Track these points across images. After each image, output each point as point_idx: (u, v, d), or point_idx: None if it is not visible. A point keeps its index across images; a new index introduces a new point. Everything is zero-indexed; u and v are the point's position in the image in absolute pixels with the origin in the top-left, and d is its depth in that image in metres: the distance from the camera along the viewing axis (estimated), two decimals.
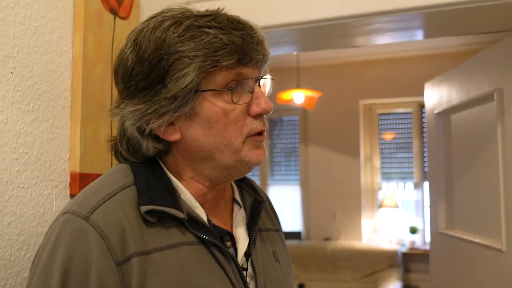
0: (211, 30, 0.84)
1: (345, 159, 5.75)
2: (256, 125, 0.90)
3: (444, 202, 2.85)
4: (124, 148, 0.93)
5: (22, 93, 1.08)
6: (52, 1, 1.18)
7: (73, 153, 1.21)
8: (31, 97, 1.11)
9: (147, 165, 0.92)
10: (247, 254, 0.95)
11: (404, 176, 5.82)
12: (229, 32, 0.84)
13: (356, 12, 1.75)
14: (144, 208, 0.83)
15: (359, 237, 5.72)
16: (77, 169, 1.21)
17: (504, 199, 2.14)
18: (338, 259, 5.41)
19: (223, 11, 0.89)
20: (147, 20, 0.90)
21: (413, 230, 5.58)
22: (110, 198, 0.84)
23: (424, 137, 5.52)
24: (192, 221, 0.87)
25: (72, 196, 1.22)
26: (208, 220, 0.92)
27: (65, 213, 0.84)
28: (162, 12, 0.90)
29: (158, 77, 0.84)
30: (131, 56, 0.87)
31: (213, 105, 0.86)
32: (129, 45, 0.89)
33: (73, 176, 1.21)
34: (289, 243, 3.75)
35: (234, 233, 0.96)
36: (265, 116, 0.92)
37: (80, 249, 0.78)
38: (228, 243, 0.93)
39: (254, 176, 5.76)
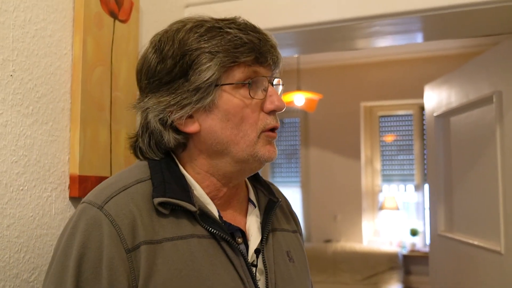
0: (231, 30, 0.92)
1: (346, 161, 5.75)
2: (270, 121, 0.96)
3: (444, 205, 2.85)
4: (146, 142, 0.98)
5: (22, 96, 1.09)
6: (52, 4, 1.18)
7: (72, 155, 1.22)
8: (31, 100, 1.11)
9: (164, 162, 0.97)
10: (258, 251, 0.97)
11: (404, 178, 5.82)
12: (248, 33, 0.92)
13: (356, 15, 1.76)
14: (157, 200, 0.88)
15: (360, 239, 5.72)
16: (76, 171, 1.21)
17: (502, 202, 2.14)
18: (338, 261, 5.41)
19: (241, 18, 0.97)
20: (170, 25, 0.98)
21: (414, 232, 5.58)
22: (124, 190, 0.90)
23: (425, 139, 5.52)
24: (203, 216, 0.92)
25: (71, 198, 1.22)
26: (220, 216, 0.96)
27: (83, 203, 0.90)
28: (183, 19, 0.98)
29: (182, 71, 0.92)
30: (155, 55, 0.94)
31: (231, 98, 0.93)
32: (153, 45, 0.96)
33: (72, 178, 1.21)
34: None
35: (246, 231, 1.00)
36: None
37: (94, 236, 0.84)
38: (239, 239, 0.96)
39: None
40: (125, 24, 1.41)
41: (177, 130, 0.95)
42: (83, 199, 0.92)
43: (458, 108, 2.63)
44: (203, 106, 0.93)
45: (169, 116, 0.94)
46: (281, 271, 1.00)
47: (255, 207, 1.05)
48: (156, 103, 0.94)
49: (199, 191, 0.96)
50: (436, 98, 3.00)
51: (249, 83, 0.93)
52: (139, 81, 1.00)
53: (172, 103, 0.92)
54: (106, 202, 0.87)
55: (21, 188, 1.08)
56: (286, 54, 2.29)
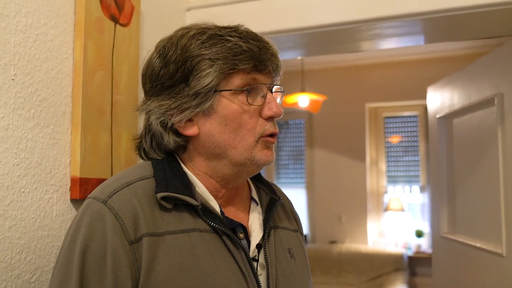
0: (232, 38, 0.95)
1: (351, 162, 5.75)
2: (268, 127, 0.98)
3: (446, 206, 2.85)
4: (148, 142, 1.02)
5: (23, 99, 1.11)
6: (53, 9, 1.20)
7: (73, 158, 1.24)
8: (32, 104, 1.13)
9: (166, 160, 1.01)
10: (260, 246, 1.00)
11: (410, 180, 5.81)
12: (248, 41, 0.95)
13: (359, 18, 1.77)
14: (160, 195, 0.92)
15: (365, 240, 5.71)
16: (77, 174, 1.23)
17: (504, 204, 2.14)
18: (343, 262, 5.40)
19: (243, 27, 0.99)
20: (175, 31, 1.01)
21: (419, 234, 5.56)
22: (127, 186, 0.94)
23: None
24: (205, 211, 0.95)
25: (72, 200, 1.24)
26: (222, 212, 0.99)
27: (88, 198, 0.94)
28: (188, 25, 1.01)
29: (183, 77, 0.95)
30: (159, 60, 0.98)
31: (230, 103, 0.96)
32: (158, 50, 1.00)
33: (73, 180, 1.23)
34: None
35: (249, 227, 1.03)
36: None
37: (98, 229, 0.88)
38: (240, 234, 0.98)
39: None
40: (126, 28, 1.42)
41: (177, 133, 0.99)
42: (89, 195, 0.96)
43: (460, 110, 2.63)
44: (202, 110, 0.96)
45: (169, 119, 0.97)
46: (282, 267, 1.02)
47: (257, 205, 1.08)
48: (157, 106, 0.97)
49: (201, 188, 0.99)
50: (438, 99, 2.99)
51: (247, 90, 0.95)
52: (143, 84, 1.04)
53: (172, 106, 0.96)
54: (110, 197, 0.91)
55: (22, 190, 1.10)
56: (289, 56, 2.30)
